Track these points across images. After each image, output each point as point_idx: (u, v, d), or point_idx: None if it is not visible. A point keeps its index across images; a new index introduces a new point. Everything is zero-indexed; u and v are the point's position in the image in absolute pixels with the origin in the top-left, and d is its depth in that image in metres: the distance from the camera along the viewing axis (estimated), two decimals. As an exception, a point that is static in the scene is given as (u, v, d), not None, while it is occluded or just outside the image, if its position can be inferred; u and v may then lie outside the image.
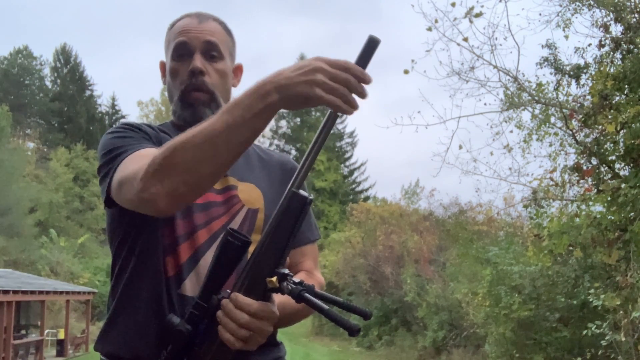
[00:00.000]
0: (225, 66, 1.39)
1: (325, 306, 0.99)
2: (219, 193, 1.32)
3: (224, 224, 1.30)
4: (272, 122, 40.80)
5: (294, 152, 44.99)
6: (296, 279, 1.03)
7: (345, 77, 0.96)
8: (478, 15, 8.37)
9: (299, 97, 0.98)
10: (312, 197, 1.07)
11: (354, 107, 0.98)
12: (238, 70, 1.48)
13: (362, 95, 0.98)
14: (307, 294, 0.99)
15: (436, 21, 8.76)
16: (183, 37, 1.35)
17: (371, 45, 1.01)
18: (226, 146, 1.02)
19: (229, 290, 1.07)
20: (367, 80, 0.98)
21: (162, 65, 1.44)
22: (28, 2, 67.71)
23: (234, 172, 1.34)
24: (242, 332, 1.03)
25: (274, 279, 1.03)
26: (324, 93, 0.96)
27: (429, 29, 8.78)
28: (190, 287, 1.25)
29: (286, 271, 1.04)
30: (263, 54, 69.95)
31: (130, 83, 72.69)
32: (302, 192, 1.04)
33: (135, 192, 1.07)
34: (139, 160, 1.12)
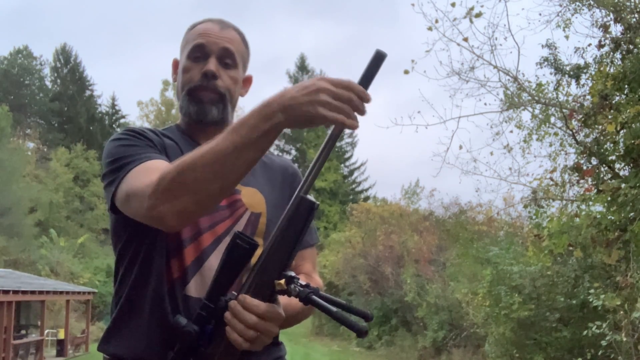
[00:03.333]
0: (237, 74, 1.42)
1: (333, 308, 1.01)
2: None
3: (228, 227, 1.32)
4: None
5: (293, 152, 44.98)
6: (302, 281, 1.05)
7: (348, 95, 1.00)
8: (478, 15, 8.37)
9: (303, 117, 1.02)
10: (318, 202, 1.09)
11: (356, 122, 1.02)
12: (247, 81, 1.51)
13: (362, 113, 1.03)
14: (314, 297, 1.02)
15: (436, 21, 8.77)
16: (202, 40, 1.39)
17: (378, 59, 1.05)
18: (234, 165, 1.06)
19: (235, 293, 1.09)
20: (367, 99, 1.03)
21: (175, 63, 1.47)
22: (28, 2, 67.75)
23: None
24: (249, 333, 1.05)
25: (282, 281, 1.05)
26: (328, 112, 1.00)
27: (429, 29, 8.78)
28: (195, 288, 1.27)
29: (293, 274, 1.06)
30: (279, 57, 70.21)
31: (130, 83, 72.73)
32: (309, 197, 1.06)
33: (144, 209, 1.10)
34: (146, 174, 1.15)
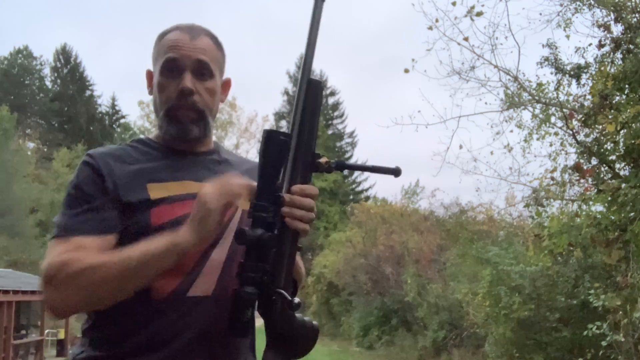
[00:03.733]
0: (214, 84, 1.38)
1: (361, 165, 1.21)
2: None
3: (223, 225, 1.30)
4: (272, 122, 40.58)
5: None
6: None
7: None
8: (479, 14, 8.37)
9: (209, 233, 1.16)
10: (322, 81, 1.22)
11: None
12: (226, 85, 1.47)
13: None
14: (345, 163, 1.16)
15: (437, 20, 8.77)
16: (174, 54, 1.33)
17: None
18: (131, 284, 1.16)
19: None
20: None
21: (149, 75, 1.43)
22: (28, 2, 67.73)
23: None
24: (310, 215, 1.15)
25: (323, 160, 1.15)
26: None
27: (430, 28, 8.79)
28: (201, 288, 1.26)
29: (321, 154, 1.16)
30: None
31: (131, 83, 72.74)
32: (314, 78, 1.15)
33: (41, 290, 1.19)
34: (54, 257, 1.19)
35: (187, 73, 1.32)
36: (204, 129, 1.36)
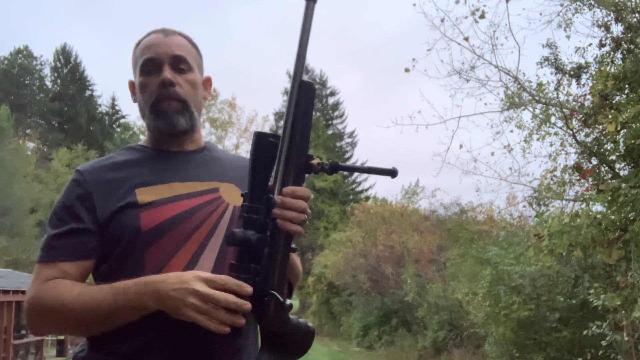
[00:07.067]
0: (195, 77, 1.40)
1: (359, 166, 1.22)
2: (204, 194, 1.35)
3: (214, 223, 1.32)
4: (272, 122, 40.55)
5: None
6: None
7: (222, 298, 1.10)
8: (482, 16, 8.36)
9: (172, 312, 1.14)
10: (315, 84, 1.17)
11: (226, 327, 1.11)
12: (207, 82, 1.50)
13: (244, 309, 1.10)
14: (340, 164, 1.16)
15: (442, 20, 8.77)
16: (150, 53, 1.36)
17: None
18: (95, 328, 1.23)
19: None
20: (246, 293, 1.11)
21: (132, 85, 1.45)
22: (28, 2, 67.71)
23: (213, 176, 1.40)
24: (302, 216, 1.14)
25: (315, 161, 1.14)
26: (195, 313, 1.10)
27: (433, 28, 8.80)
28: None
29: (314, 156, 1.16)
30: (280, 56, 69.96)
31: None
32: (307, 80, 1.15)
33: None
34: (36, 286, 1.26)
35: (165, 66, 1.35)
36: (190, 121, 1.38)
